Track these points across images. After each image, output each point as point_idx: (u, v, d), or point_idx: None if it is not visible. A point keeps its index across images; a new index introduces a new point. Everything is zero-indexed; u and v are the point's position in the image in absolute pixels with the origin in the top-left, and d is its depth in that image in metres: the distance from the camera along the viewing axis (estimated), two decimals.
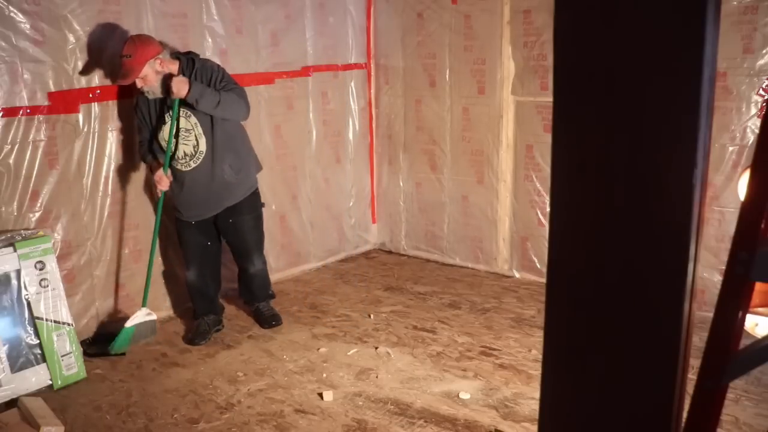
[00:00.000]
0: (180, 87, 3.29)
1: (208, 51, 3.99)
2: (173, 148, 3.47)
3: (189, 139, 3.47)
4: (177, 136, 3.46)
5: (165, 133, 3.46)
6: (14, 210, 3.35)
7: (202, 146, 3.48)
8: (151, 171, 3.60)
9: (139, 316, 3.52)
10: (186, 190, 3.56)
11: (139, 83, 3.34)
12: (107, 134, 3.66)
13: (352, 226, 5.18)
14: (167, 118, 3.44)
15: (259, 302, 3.91)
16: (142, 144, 3.61)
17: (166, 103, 3.45)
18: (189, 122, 3.46)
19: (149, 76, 3.33)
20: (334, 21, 4.77)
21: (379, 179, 5.28)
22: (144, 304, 3.58)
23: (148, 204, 3.89)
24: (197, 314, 3.75)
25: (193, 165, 3.50)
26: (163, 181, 3.48)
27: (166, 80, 3.34)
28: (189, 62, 3.45)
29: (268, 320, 3.86)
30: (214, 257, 3.77)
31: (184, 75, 3.38)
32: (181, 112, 3.43)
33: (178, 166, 3.51)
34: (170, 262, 4.01)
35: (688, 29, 0.85)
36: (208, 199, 3.59)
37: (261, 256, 3.83)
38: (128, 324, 3.47)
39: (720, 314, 0.98)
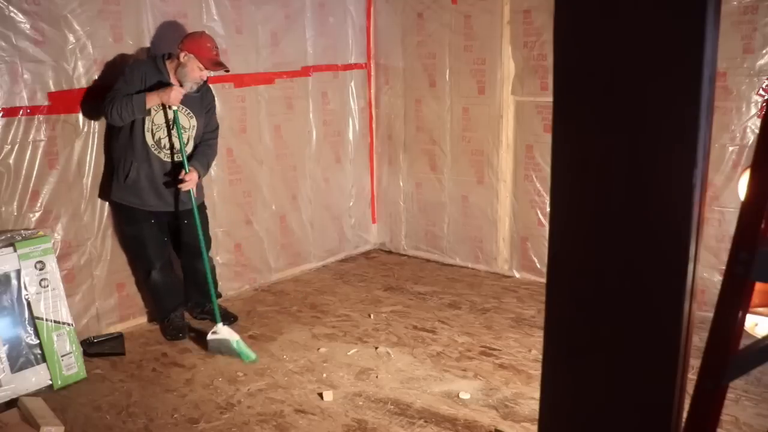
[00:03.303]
0: (194, 182, 3.57)
1: None
2: (161, 137, 3.52)
3: (183, 135, 3.57)
4: (177, 134, 3.52)
5: (160, 119, 3.48)
6: (14, 210, 3.35)
7: (190, 146, 3.64)
8: (138, 108, 3.33)
9: (224, 332, 3.53)
10: (159, 178, 3.54)
11: (205, 75, 3.54)
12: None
13: (352, 226, 5.18)
14: (159, 107, 3.46)
15: (211, 301, 3.82)
16: (116, 96, 3.33)
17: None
18: (190, 122, 3.61)
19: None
20: (334, 21, 4.77)
21: (379, 179, 5.28)
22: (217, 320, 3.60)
23: None
24: (165, 312, 3.75)
25: (177, 159, 3.58)
26: (177, 90, 3.38)
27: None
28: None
29: (228, 316, 3.87)
30: (169, 253, 3.79)
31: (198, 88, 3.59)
32: (183, 109, 3.56)
33: (162, 155, 3.54)
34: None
35: (688, 29, 0.85)
36: (176, 193, 3.61)
37: (208, 255, 3.82)
38: (234, 338, 3.48)
39: (720, 314, 0.98)
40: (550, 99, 1.00)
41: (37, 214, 3.43)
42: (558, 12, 0.96)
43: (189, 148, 3.61)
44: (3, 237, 3.17)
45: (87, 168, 3.61)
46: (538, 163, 4.37)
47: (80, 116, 3.54)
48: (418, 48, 4.81)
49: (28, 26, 3.28)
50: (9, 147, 3.30)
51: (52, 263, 3.26)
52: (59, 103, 3.44)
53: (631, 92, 0.91)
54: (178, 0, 3.84)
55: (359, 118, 5.09)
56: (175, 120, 3.48)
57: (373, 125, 5.20)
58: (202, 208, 3.78)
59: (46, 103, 3.39)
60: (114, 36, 3.62)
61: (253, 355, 3.44)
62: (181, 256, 3.84)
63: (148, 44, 3.74)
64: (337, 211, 5.05)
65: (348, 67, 4.94)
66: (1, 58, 3.21)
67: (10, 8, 3.21)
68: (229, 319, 3.86)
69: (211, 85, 3.77)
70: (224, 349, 3.48)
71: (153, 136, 3.49)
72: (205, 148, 3.70)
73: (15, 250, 3.16)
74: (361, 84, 5.07)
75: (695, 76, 0.86)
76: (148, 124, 3.46)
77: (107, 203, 3.69)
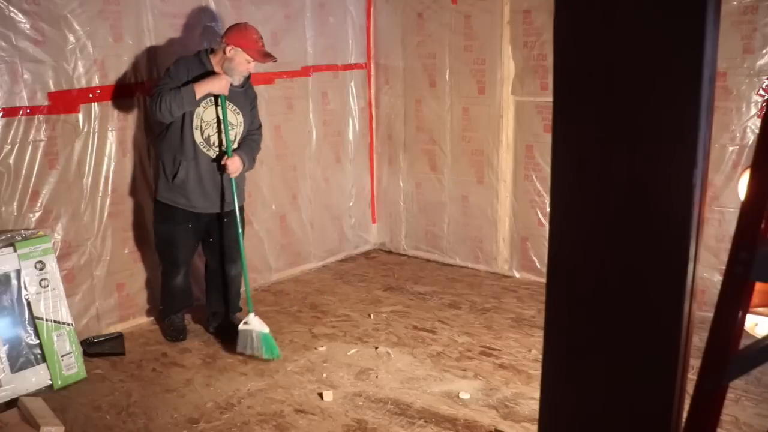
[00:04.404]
0: (238, 167, 3.49)
1: None
2: (210, 134, 3.46)
3: (230, 132, 3.52)
4: (223, 125, 3.47)
5: (209, 115, 3.43)
6: (14, 210, 3.35)
7: (237, 142, 3.59)
8: (188, 98, 3.27)
9: (255, 323, 3.45)
10: (206, 178, 3.49)
11: (252, 67, 3.46)
12: (107, 134, 3.66)
13: (352, 226, 5.18)
14: (209, 103, 3.42)
15: (231, 316, 3.77)
16: (163, 90, 3.27)
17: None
18: (237, 119, 3.54)
19: None
20: (334, 21, 4.77)
21: (379, 179, 5.28)
22: (251, 310, 3.52)
23: (148, 203, 3.87)
24: (168, 312, 3.73)
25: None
26: (225, 79, 3.36)
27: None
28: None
29: None
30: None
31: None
32: (230, 106, 3.49)
33: (211, 153, 3.48)
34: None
35: (688, 29, 0.85)
36: (221, 193, 3.58)
37: (239, 261, 3.72)
38: (264, 330, 3.42)
39: (720, 314, 0.98)
40: (550, 99, 1.00)
41: (37, 214, 3.43)
42: (558, 12, 0.96)
43: (235, 146, 3.54)
44: (3, 237, 3.17)
45: (87, 168, 3.60)
46: (538, 163, 4.37)
47: (80, 116, 3.54)
48: (418, 48, 4.81)
49: (28, 26, 3.28)
50: (9, 147, 3.30)
51: (52, 263, 3.26)
52: (59, 103, 3.44)
53: (631, 92, 0.91)
54: (178, 0, 3.84)
55: (359, 118, 5.09)
56: (223, 109, 3.43)
57: (373, 125, 5.20)
58: (241, 211, 3.69)
59: (46, 103, 3.39)
60: (114, 36, 3.62)
61: (277, 352, 3.42)
62: (212, 260, 3.72)
63: (148, 44, 3.74)
64: (337, 211, 5.05)
65: (348, 67, 4.94)
66: (1, 58, 3.21)
67: (10, 8, 3.21)
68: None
69: None
70: (250, 342, 3.41)
71: (202, 133, 3.43)
72: (249, 142, 3.63)
73: (15, 250, 3.16)
74: (361, 84, 5.07)
75: (695, 76, 0.86)
76: (196, 122, 3.41)
77: (107, 203, 3.69)
